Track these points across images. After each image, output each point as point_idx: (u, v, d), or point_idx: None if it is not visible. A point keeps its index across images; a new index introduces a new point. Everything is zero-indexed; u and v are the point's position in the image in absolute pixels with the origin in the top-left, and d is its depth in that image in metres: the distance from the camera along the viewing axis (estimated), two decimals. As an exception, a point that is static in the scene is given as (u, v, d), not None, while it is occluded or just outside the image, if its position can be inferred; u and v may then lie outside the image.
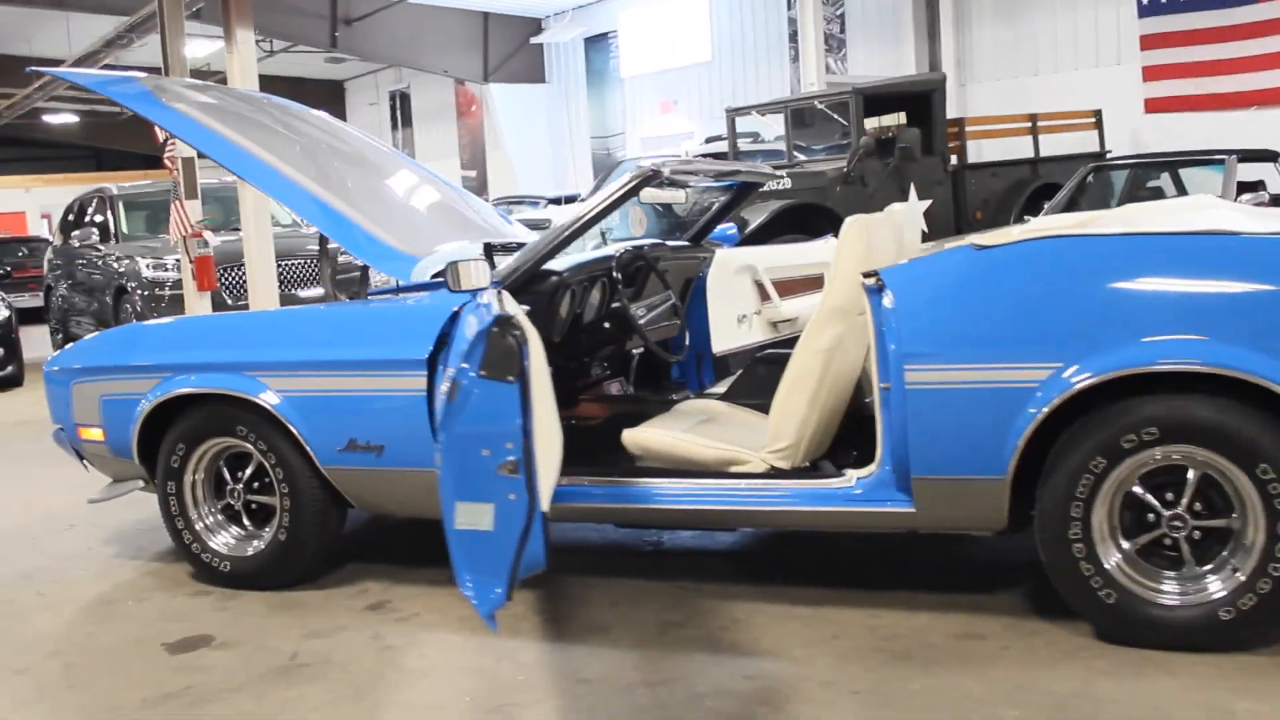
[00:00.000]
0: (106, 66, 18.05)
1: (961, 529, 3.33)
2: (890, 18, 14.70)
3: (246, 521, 4.09)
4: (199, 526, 4.09)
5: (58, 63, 21.28)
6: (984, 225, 10.43)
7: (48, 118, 28.30)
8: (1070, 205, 9.38)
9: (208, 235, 9.19)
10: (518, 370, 2.52)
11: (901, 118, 10.67)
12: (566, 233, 3.64)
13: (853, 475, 3.38)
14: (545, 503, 2.58)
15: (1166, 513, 3.04)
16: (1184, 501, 3.02)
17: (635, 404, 4.38)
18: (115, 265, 10.41)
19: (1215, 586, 3.01)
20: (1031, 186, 10.62)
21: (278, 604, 3.88)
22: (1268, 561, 2.93)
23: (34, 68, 4.80)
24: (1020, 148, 11.21)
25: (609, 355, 4.50)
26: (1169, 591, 3.05)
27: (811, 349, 3.47)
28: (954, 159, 10.52)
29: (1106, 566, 3.06)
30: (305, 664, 3.38)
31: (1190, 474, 3.00)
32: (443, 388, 2.55)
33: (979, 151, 11.84)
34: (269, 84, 28.72)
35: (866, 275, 3.28)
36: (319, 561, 4.03)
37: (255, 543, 4.04)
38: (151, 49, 21.90)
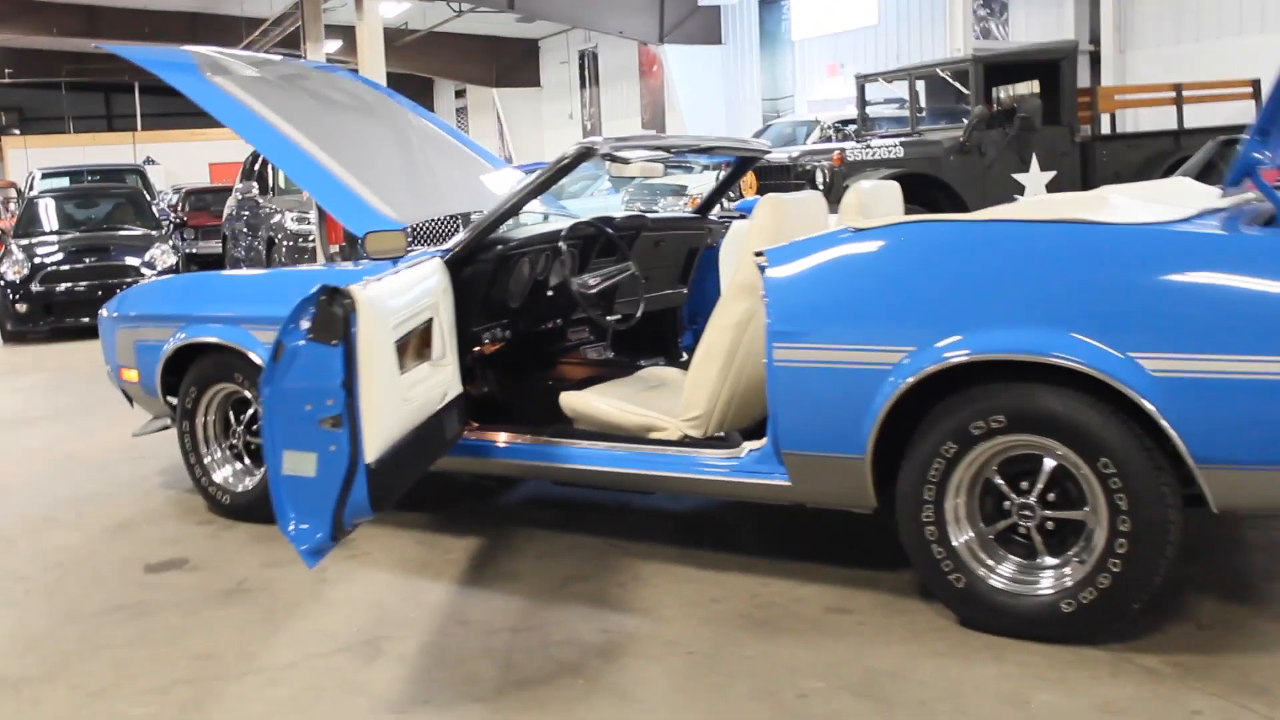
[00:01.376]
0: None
1: (836, 505, 3.38)
2: (1054, -20, 14.05)
3: (246, 459, 4.52)
4: (207, 461, 4.55)
5: (260, 22, 22.76)
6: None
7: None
8: (1201, 179, 8.88)
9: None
10: (340, 335, 2.77)
11: (1035, 86, 10.29)
12: (504, 209, 3.85)
13: (746, 447, 3.49)
14: (369, 456, 2.83)
15: (1018, 501, 3.04)
16: (1035, 491, 3.01)
17: (605, 368, 4.58)
18: (267, 217, 11.22)
19: (1059, 578, 3.00)
20: (1171, 159, 10.07)
21: (260, 536, 4.28)
22: (1108, 556, 2.90)
23: (100, 44, 5.28)
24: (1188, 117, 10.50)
25: (587, 321, 4.70)
26: (1014, 580, 3.05)
27: (721, 324, 3.58)
28: (1085, 129, 10.08)
29: (957, 551, 3.09)
30: (247, 590, 3.76)
31: (1046, 464, 2.99)
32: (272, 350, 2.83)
33: (1135, 120, 11.27)
34: (465, 42, 29.93)
35: (757, 254, 3.37)
36: None
37: (249, 479, 4.47)
38: (349, 9, 23.11)
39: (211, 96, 4.68)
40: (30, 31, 24.23)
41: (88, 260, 11.31)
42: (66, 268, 11.21)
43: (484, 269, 3.98)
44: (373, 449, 2.85)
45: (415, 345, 3.34)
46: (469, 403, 3.97)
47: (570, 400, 3.93)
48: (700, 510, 4.39)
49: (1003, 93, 10.19)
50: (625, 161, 4.16)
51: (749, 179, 10.12)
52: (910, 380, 3.02)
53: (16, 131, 32.30)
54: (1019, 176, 9.25)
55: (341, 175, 4.43)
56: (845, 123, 12.20)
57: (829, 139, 11.03)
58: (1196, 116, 10.40)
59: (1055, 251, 2.96)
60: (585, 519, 4.34)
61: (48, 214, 12.66)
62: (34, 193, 14.11)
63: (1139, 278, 2.84)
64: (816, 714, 2.72)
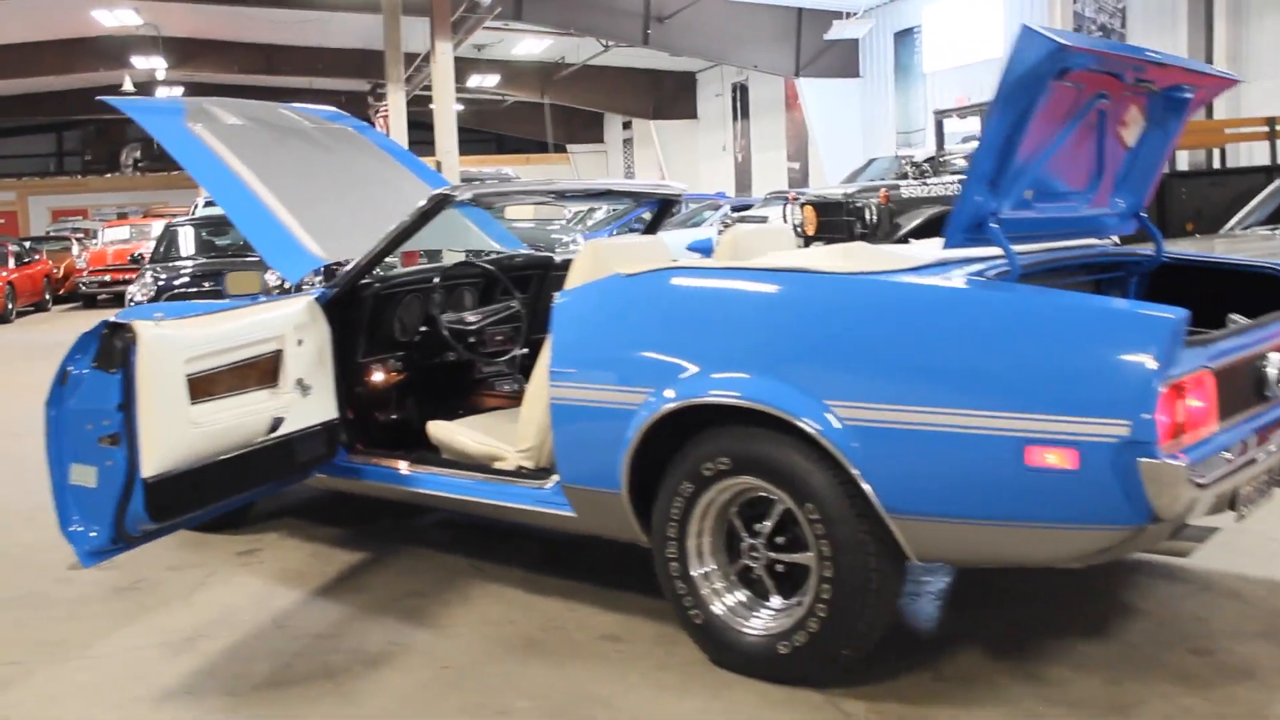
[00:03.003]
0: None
1: (616, 537, 3.53)
2: (1169, 9, 13.47)
3: None
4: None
5: (415, 57, 23.87)
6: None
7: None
8: (1273, 218, 8.45)
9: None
10: (119, 364, 3.13)
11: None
12: (373, 254, 4.15)
13: (552, 479, 3.68)
14: (146, 471, 3.17)
15: (748, 542, 3.14)
16: (765, 532, 3.10)
17: (509, 400, 4.83)
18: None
19: (779, 620, 3.08)
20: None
21: (191, 542, 4.70)
22: (816, 601, 2.96)
23: (101, 97, 5.87)
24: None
25: (503, 355, 4.96)
26: (741, 618, 3.14)
27: (545, 360, 3.79)
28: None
29: (697, 587, 3.19)
30: (138, 588, 4.15)
31: (776, 507, 3.08)
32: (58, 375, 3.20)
33: (1251, 155, 10.72)
34: (624, 75, 30.49)
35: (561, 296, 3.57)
36: None
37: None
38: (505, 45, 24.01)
39: (179, 142, 5.14)
40: (216, 70, 26.23)
41: (207, 284, 12.27)
42: (193, 290, 12.20)
43: (368, 307, 4.31)
44: (150, 466, 3.19)
45: (243, 375, 3.66)
46: (359, 427, 4.30)
47: (434, 429, 4.20)
48: (566, 539, 4.57)
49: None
50: (489, 207, 4.40)
51: (809, 215, 10.19)
52: (648, 421, 3.16)
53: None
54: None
55: (281, 216, 4.83)
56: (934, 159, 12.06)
57: (904, 175, 10.95)
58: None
59: (769, 299, 3.08)
60: (470, 541, 4.56)
61: (185, 240, 13.76)
62: (178, 221, 15.28)
63: (836, 325, 2.93)
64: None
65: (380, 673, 3.29)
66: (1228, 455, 2.69)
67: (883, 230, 9.09)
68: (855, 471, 2.81)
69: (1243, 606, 3.54)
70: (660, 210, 5.16)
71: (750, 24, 20.66)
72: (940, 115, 10.75)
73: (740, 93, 27.61)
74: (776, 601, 3.11)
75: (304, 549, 4.52)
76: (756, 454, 3.00)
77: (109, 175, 38.07)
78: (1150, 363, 2.50)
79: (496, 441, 3.99)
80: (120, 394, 3.13)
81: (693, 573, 3.20)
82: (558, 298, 3.52)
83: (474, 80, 27.56)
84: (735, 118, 28.09)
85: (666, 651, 3.32)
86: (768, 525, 3.09)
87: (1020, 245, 3.32)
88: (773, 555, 3.10)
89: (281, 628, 3.69)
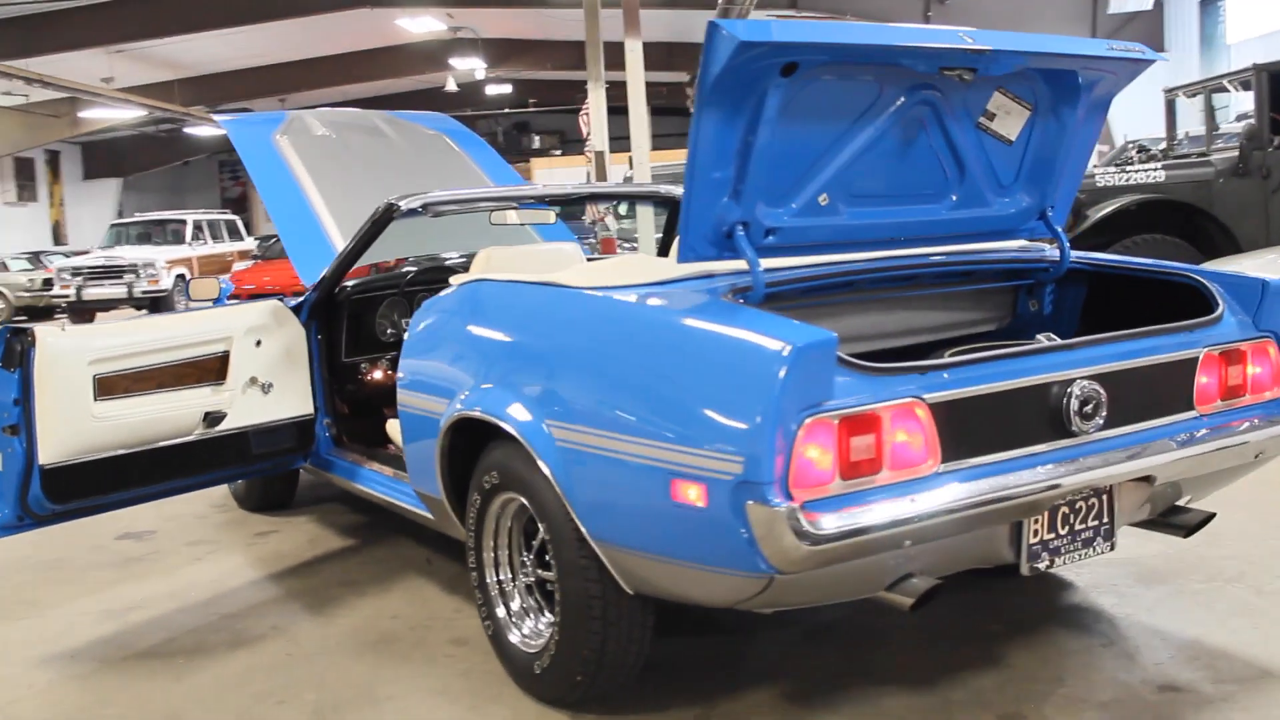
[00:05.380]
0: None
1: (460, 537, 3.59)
2: None
3: None
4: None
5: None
6: None
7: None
8: None
9: (609, 221, 10.71)
10: (16, 364, 3.56)
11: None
12: (339, 261, 4.41)
13: (415, 482, 3.80)
14: (43, 459, 3.59)
15: (519, 558, 3.13)
16: (532, 549, 3.08)
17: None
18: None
19: (538, 638, 3.06)
20: None
21: (228, 521, 5.20)
22: (554, 623, 2.92)
23: (218, 117, 6.51)
24: None
25: None
26: (512, 633, 3.14)
27: None
28: None
29: (490, 597, 3.22)
30: (139, 559, 4.69)
31: (541, 524, 3.04)
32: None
33: None
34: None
35: (428, 305, 3.68)
36: None
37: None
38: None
39: (256, 152, 5.63)
40: (531, 67, 27.77)
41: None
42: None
43: (345, 310, 4.61)
44: (47, 454, 3.61)
45: (176, 374, 4.02)
46: (344, 424, 4.61)
47: (389, 425, 4.43)
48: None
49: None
50: (439, 215, 4.49)
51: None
52: (441, 431, 3.22)
53: (558, 152, 36.32)
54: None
55: (324, 223, 5.23)
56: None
57: (1130, 160, 9.93)
58: None
59: (520, 312, 3.07)
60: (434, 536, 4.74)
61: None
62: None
63: (548, 339, 2.91)
64: (256, 714, 3.08)
65: (233, 653, 3.57)
66: (919, 503, 2.38)
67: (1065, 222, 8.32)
68: (560, 493, 2.75)
69: (1121, 669, 3.09)
70: (672, 210, 5.10)
71: (1037, 1, 19.36)
72: (1170, 94, 9.66)
73: (1050, 73, 25.91)
74: (542, 619, 3.09)
75: (309, 533, 4.89)
76: (511, 470, 2.99)
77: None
78: (765, 393, 2.28)
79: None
80: (18, 390, 3.57)
81: (487, 580, 3.22)
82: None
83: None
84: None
85: (485, 660, 3.36)
86: (535, 542, 3.07)
87: (861, 254, 3.10)
88: (540, 573, 3.07)
89: (206, 605, 4.05)
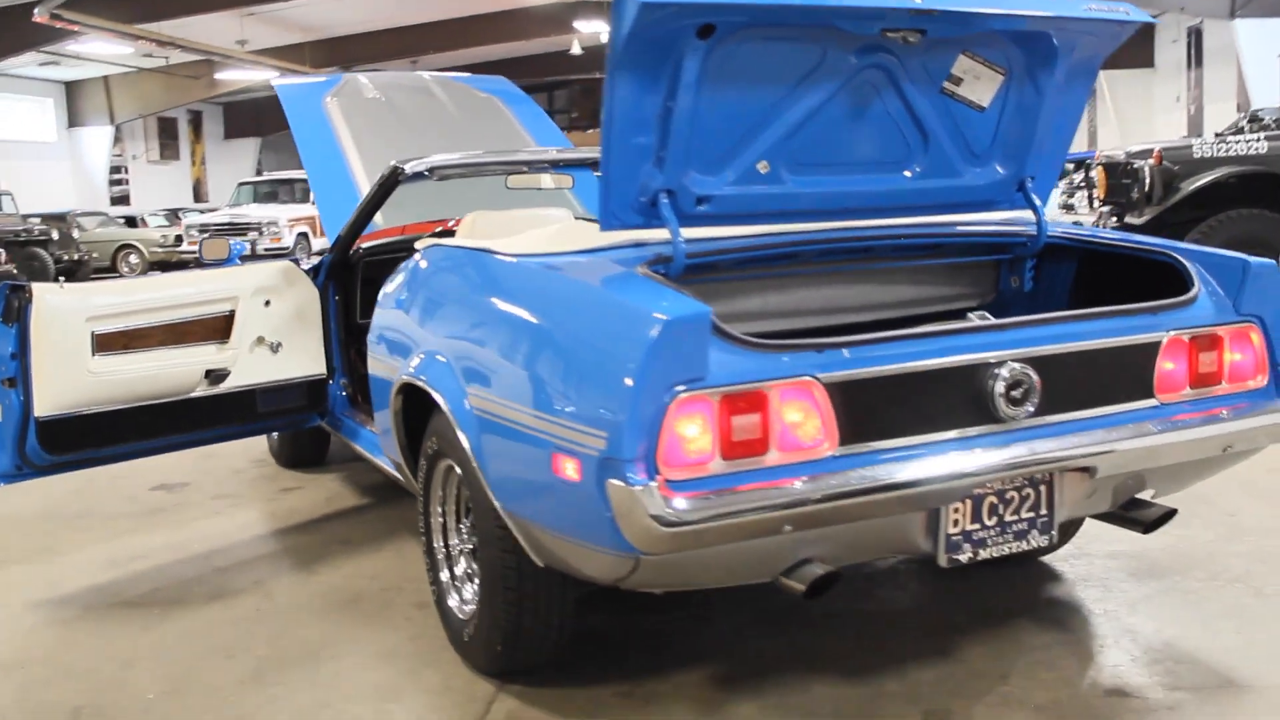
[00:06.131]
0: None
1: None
2: None
3: None
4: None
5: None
6: None
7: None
8: None
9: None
10: (14, 319, 3.69)
11: None
12: (350, 225, 4.45)
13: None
14: (39, 411, 3.72)
15: (456, 524, 3.12)
16: (469, 515, 3.07)
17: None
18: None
19: (468, 605, 3.04)
20: None
21: (260, 476, 5.35)
22: (477, 592, 2.91)
23: (273, 82, 6.62)
24: None
25: None
26: (450, 599, 3.13)
27: None
28: None
29: (436, 561, 3.22)
30: (164, 509, 4.85)
31: (479, 490, 3.03)
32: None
33: None
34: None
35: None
36: None
37: None
38: None
39: (304, 115, 5.73)
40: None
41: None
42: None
43: (359, 273, 4.66)
44: (43, 406, 3.75)
45: (178, 332, 4.12)
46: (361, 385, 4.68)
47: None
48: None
49: None
50: (445, 178, 4.46)
51: (1100, 177, 9.10)
52: (392, 394, 3.23)
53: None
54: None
55: (359, 184, 5.30)
56: None
57: (1240, 130, 9.32)
58: None
59: (460, 279, 3.07)
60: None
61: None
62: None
63: (468, 305, 2.87)
64: (201, 667, 3.16)
65: (208, 606, 3.66)
66: (811, 485, 2.28)
67: (1156, 194, 7.90)
68: (475, 463, 2.72)
69: (1074, 669, 2.93)
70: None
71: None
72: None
73: (1195, 38, 24.62)
74: (472, 587, 3.07)
75: (329, 491, 4.99)
76: (445, 437, 2.97)
77: (590, 130, 41.40)
78: (629, 367, 2.20)
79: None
80: (15, 344, 3.71)
81: (434, 545, 3.23)
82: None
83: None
84: (1189, 66, 25.10)
85: (437, 625, 3.36)
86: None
87: (811, 225, 2.97)
88: (474, 541, 3.06)
89: (204, 558, 4.17)
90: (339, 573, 3.91)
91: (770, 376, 2.29)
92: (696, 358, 2.22)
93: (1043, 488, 2.61)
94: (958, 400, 2.48)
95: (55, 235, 19.23)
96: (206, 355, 4.19)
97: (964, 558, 2.56)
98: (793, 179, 2.88)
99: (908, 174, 3.02)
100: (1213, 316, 2.80)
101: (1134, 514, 2.83)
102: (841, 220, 3.01)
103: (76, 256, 19.64)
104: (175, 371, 4.11)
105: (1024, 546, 2.62)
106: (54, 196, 24.61)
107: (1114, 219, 8.47)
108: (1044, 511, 2.62)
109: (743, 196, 2.82)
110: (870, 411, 2.38)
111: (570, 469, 2.32)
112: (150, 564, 4.13)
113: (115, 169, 29.47)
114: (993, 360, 2.50)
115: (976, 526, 2.55)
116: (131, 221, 23.63)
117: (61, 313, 3.81)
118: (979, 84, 2.99)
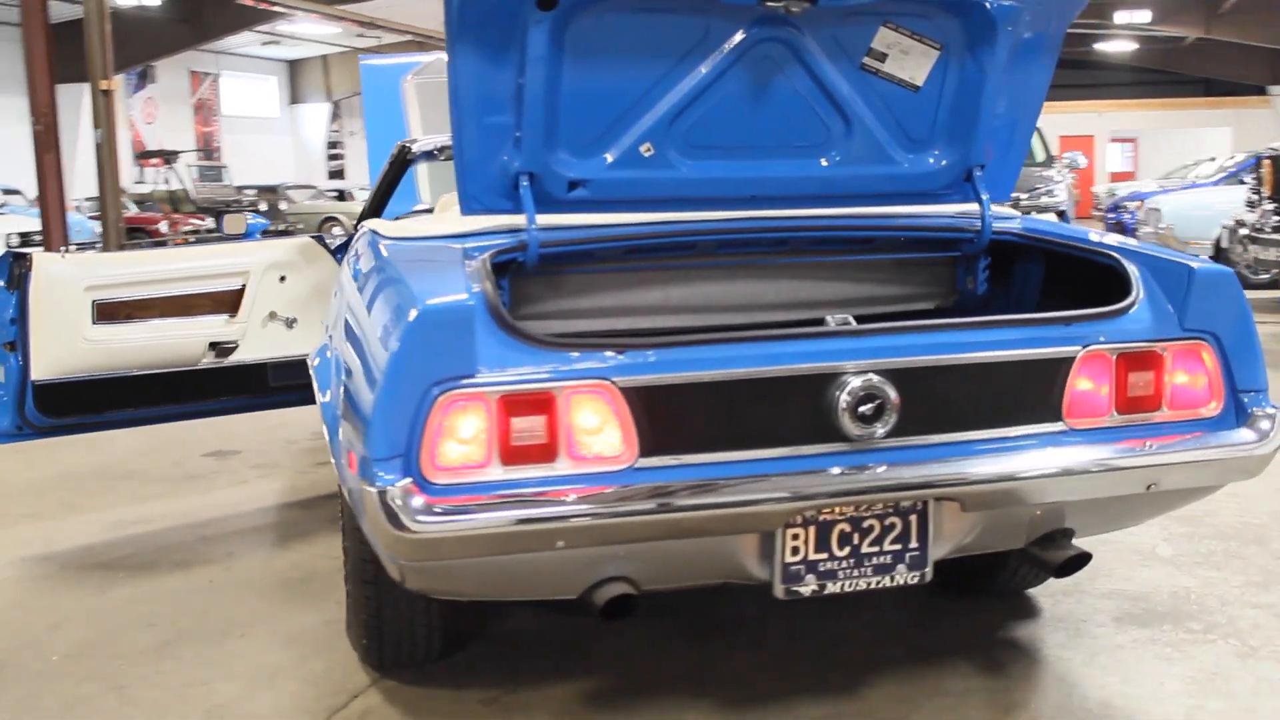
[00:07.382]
0: None
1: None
2: None
3: None
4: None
5: None
6: None
7: (1099, 45, 29.52)
8: None
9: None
10: (15, 286, 3.85)
11: None
12: (368, 205, 4.47)
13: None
14: (35, 374, 3.87)
15: (354, 513, 3.04)
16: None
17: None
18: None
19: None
20: None
21: (302, 451, 5.45)
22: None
23: (363, 60, 6.73)
24: None
25: None
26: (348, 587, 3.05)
27: None
28: None
29: (346, 549, 3.14)
30: (194, 479, 4.99)
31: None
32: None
33: None
34: None
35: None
36: None
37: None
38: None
39: (379, 94, 5.86)
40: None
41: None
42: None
43: None
44: (39, 370, 3.90)
45: (184, 304, 4.21)
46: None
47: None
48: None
49: None
50: (448, 159, 4.37)
51: (1267, 171, 8.21)
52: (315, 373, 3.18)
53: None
54: None
55: (416, 167, 5.33)
56: None
57: None
58: None
59: (356, 264, 2.97)
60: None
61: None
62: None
63: (343, 293, 2.79)
64: (122, 635, 3.20)
65: (169, 575, 3.74)
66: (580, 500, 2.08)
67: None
68: (332, 457, 2.62)
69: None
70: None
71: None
72: None
73: None
74: (366, 576, 3.00)
75: (274, 478, 5.00)
76: (329, 423, 2.90)
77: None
78: (384, 363, 2.06)
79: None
80: (16, 310, 3.87)
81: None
82: None
83: (1121, 16, 25.13)
84: None
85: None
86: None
87: (713, 214, 2.74)
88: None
89: (199, 527, 4.27)
90: (309, 551, 3.92)
91: (560, 378, 2.10)
92: (462, 353, 2.06)
93: (913, 517, 2.30)
94: (795, 414, 2.21)
95: (264, 206, 20.39)
96: (213, 328, 4.27)
97: (806, 590, 2.28)
98: (685, 163, 2.65)
99: (824, 161, 2.73)
100: (1149, 331, 2.41)
101: (1044, 554, 2.47)
102: (753, 209, 2.76)
103: (283, 226, 20.77)
104: (178, 343, 4.20)
105: (886, 583, 2.32)
106: (276, 169, 26.15)
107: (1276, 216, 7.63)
108: (914, 544, 2.32)
109: (626, 181, 2.62)
110: (681, 421, 2.16)
111: (354, 466, 2.20)
112: (148, 529, 4.25)
113: (333, 144, 31.03)
114: (842, 370, 2.21)
115: (823, 556, 2.28)
116: (342, 195, 24.82)
117: (60, 281, 3.94)
118: (908, 60, 2.68)
